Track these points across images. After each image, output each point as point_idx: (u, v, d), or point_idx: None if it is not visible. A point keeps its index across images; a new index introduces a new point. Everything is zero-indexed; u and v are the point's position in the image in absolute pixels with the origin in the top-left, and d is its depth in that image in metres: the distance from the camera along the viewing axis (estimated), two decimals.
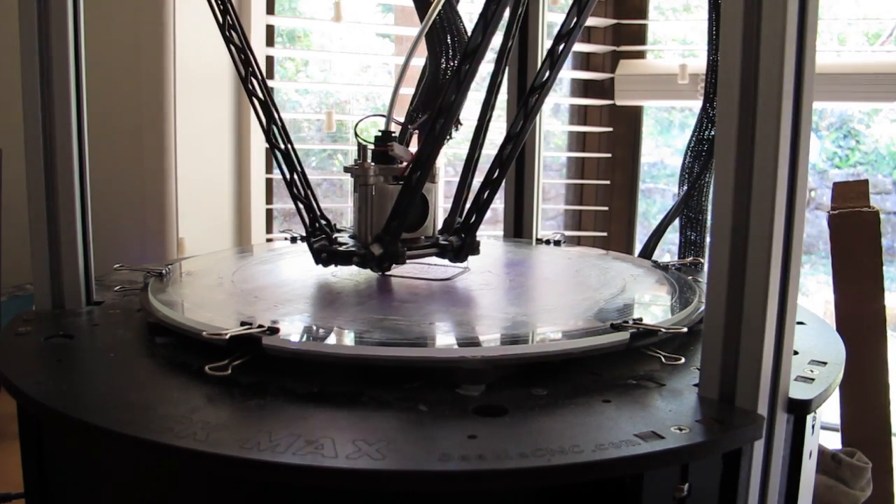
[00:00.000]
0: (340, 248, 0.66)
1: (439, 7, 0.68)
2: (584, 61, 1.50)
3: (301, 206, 0.67)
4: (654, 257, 0.89)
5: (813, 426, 0.51)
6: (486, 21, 0.60)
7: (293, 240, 0.87)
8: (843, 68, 1.31)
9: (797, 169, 0.42)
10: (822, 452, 0.99)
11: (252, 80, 0.65)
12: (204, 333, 0.49)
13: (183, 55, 1.14)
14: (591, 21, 1.49)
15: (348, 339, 0.53)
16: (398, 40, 1.58)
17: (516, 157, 0.95)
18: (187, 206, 1.18)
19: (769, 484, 0.45)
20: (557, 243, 0.89)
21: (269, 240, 1.37)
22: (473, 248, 0.70)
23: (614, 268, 0.77)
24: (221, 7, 0.65)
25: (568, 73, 1.48)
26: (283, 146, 0.67)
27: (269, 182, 1.36)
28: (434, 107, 0.65)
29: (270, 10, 1.33)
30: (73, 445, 0.50)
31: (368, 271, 0.69)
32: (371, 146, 0.67)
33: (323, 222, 0.68)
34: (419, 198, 0.66)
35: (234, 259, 0.80)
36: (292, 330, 0.52)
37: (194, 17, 1.15)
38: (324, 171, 1.64)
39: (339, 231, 0.71)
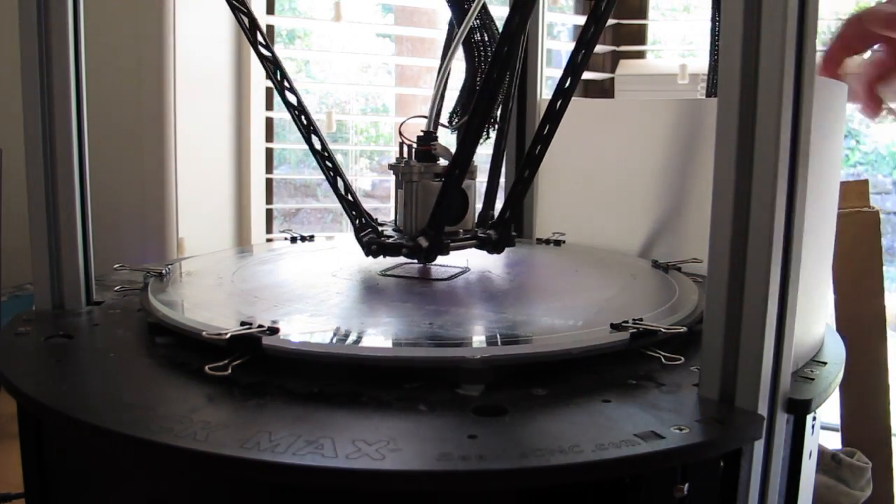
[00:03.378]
0: (389, 241, 0.70)
1: (475, 14, 0.71)
2: None
3: (346, 205, 0.72)
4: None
5: (813, 426, 0.51)
6: (510, 32, 0.63)
7: (293, 240, 0.87)
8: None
9: (797, 169, 0.42)
10: (822, 452, 0.99)
11: (288, 94, 0.70)
12: (204, 333, 0.49)
13: (183, 55, 1.14)
14: None
15: (348, 338, 0.53)
16: (398, 40, 1.58)
17: (516, 158, 0.97)
18: (187, 206, 1.18)
19: (769, 484, 0.45)
20: (557, 243, 0.89)
21: (269, 240, 1.37)
22: (509, 241, 0.75)
23: (614, 268, 0.77)
24: (248, 25, 0.68)
25: None
26: (321, 150, 0.72)
27: (269, 182, 1.36)
28: (469, 109, 0.69)
29: (270, 10, 1.33)
30: (73, 445, 0.50)
31: (368, 271, 0.70)
32: (414, 145, 0.71)
33: (366, 218, 0.72)
34: (460, 193, 0.70)
35: (234, 259, 0.80)
36: (292, 330, 0.52)
37: (194, 17, 1.15)
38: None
39: (381, 225, 0.74)
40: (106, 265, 0.72)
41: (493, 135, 0.80)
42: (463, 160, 0.67)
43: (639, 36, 1.46)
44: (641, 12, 1.45)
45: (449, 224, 0.70)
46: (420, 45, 1.75)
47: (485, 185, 0.80)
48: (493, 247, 0.73)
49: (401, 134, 0.72)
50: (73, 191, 0.64)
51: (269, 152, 1.37)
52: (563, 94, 0.71)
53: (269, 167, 1.37)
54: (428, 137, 0.72)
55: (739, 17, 0.41)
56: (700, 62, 1.34)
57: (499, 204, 0.77)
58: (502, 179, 0.88)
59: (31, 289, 0.65)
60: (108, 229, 0.93)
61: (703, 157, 0.80)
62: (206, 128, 1.23)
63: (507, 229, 0.74)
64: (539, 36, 0.97)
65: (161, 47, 1.12)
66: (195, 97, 1.18)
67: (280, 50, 1.40)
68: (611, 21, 1.45)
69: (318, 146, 0.72)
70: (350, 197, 0.72)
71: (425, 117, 0.73)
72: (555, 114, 0.71)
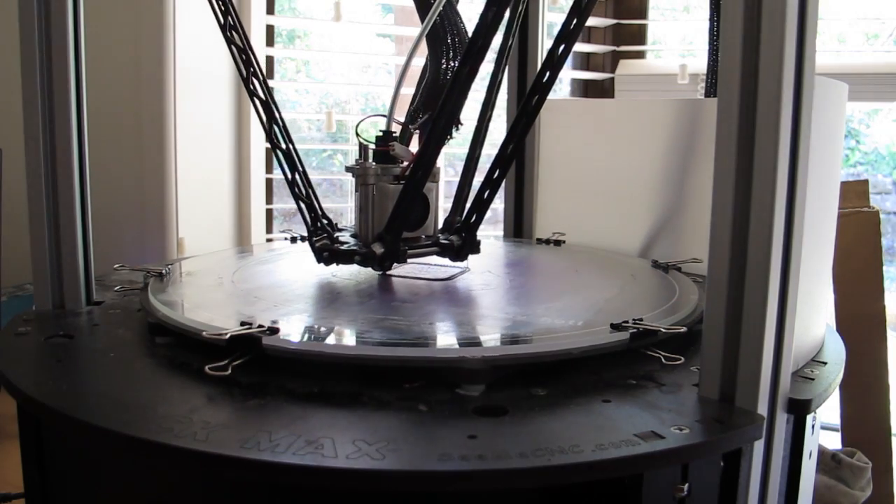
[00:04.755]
0: (342, 247, 0.66)
1: (440, 8, 0.68)
2: (584, 61, 1.50)
3: (303, 205, 0.68)
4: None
5: (813, 426, 0.51)
6: (486, 24, 0.61)
7: (293, 240, 0.87)
8: (843, 68, 1.31)
9: (797, 169, 0.42)
10: (822, 452, 0.99)
11: (253, 80, 0.66)
12: (204, 333, 0.49)
13: (183, 55, 1.14)
14: (591, 21, 1.48)
15: (348, 339, 0.53)
16: (398, 40, 1.58)
17: (516, 157, 0.96)
18: (187, 206, 1.18)
19: (769, 484, 0.45)
20: (557, 243, 0.89)
21: (269, 240, 1.37)
22: (474, 247, 0.70)
23: (614, 268, 0.77)
24: (223, 8, 0.65)
25: (568, 73, 1.48)
26: (284, 146, 0.67)
27: (269, 182, 1.36)
28: (435, 107, 0.65)
29: (270, 10, 1.33)
30: (73, 445, 0.50)
31: (369, 271, 0.70)
32: (372, 146, 0.68)
33: (324, 222, 0.69)
34: (420, 197, 0.67)
35: (234, 259, 0.80)
36: (292, 330, 0.52)
37: (194, 17, 1.15)
38: (324, 171, 1.64)
39: (340, 230, 0.71)
40: (106, 265, 0.72)
41: (455, 135, 0.74)
42: (426, 162, 0.63)
43: (639, 36, 1.46)
44: (641, 12, 1.45)
45: (408, 230, 0.67)
46: (420, 45, 1.75)
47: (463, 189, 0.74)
48: (455, 254, 0.69)
49: (358, 135, 0.69)
50: (73, 191, 0.64)
51: (269, 152, 1.37)
52: (540, 88, 0.67)
53: (269, 167, 1.37)
54: (386, 138, 0.68)
55: (739, 17, 0.41)
56: (700, 62, 1.33)
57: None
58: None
59: (31, 289, 0.65)
60: (108, 229, 0.93)
61: (703, 157, 0.80)
62: (206, 128, 1.23)
63: (472, 235, 0.70)
64: (539, 36, 0.97)
65: (161, 47, 1.12)
66: (195, 97, 1.18)
67: (280, 50, 1.40)
68: (611, 21, 1.45)
69: (282, 144, 0.67)
70: (308, 199, 0.68)
71: (384, 116, 0.69)
72: (530, 110, 0.68)
